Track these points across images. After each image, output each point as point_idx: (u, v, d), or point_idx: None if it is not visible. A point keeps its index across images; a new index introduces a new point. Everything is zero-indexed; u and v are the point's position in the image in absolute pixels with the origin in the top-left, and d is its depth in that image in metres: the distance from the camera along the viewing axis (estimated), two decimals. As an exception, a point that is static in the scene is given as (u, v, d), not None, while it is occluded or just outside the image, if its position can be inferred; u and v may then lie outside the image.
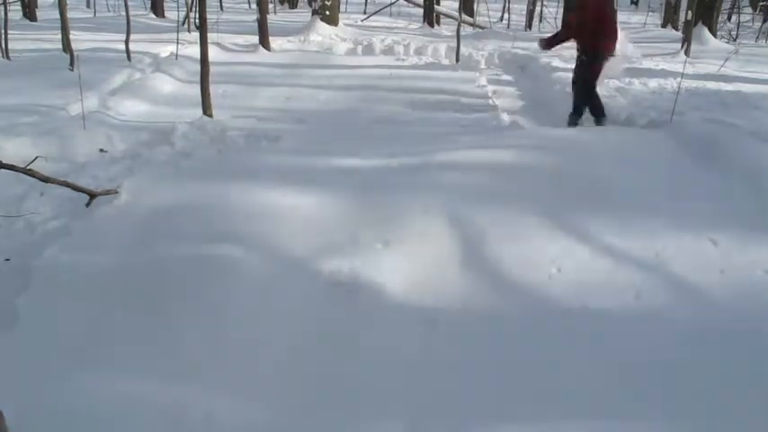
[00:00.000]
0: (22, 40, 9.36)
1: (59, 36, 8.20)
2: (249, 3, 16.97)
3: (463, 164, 4.35)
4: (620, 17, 11.47)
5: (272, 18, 12.20)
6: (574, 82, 6.03)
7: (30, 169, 3.55)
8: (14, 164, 3.44)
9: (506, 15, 15.39)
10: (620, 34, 6.02)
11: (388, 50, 10.14)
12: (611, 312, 2.92)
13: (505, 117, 6.37)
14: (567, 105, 6.11)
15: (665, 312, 2.88)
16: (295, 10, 18.25)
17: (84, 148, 4.90)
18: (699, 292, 3.01)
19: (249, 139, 5.29)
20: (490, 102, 7.11)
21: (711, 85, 7.24)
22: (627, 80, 7.62)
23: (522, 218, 3.62)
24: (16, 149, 4.43)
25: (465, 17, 12.56)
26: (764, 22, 13.93)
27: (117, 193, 3.88)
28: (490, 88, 7.93)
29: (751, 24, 15.37)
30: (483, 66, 9.62)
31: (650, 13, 17.57)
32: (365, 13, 15.24)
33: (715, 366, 2.56)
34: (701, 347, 2.66)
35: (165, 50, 9.06)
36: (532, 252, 3.32)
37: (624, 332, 2.78)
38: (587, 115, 6.00)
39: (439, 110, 6.70)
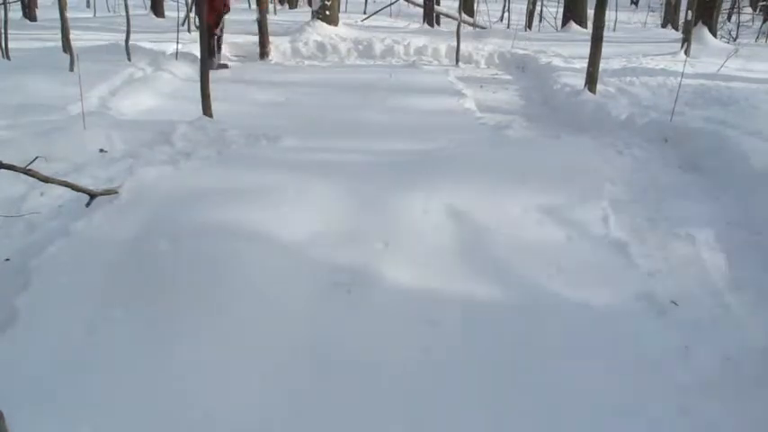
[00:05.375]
0: (22, 40, 9.35)
1: (59, 36, 8.19)
2: (249, 3, 16.95)
3: (463, 162, 4.35)
4: (621, 17, 11.48)
5: (271, 18, 12.19)
6: None
7: (30, 169, 3.54)
8: (14, 164, 3.44)
9: (506, 15, 15.40)
10: None
11: (388, 51, 10.14)
12: (613, 311, 2.92)
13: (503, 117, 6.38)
14: (566, 104, 6.11)
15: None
16: (295, 10, 18.25)
17: (84, 148, 4.89)
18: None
19: (249, 139, 5.28)
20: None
21: (711, 84, 7.24)
22: (627, 80, 7.63)
23: (525, 215, 3.63)
24: (16, 149, 4.43)
25: (465, 17, 12.55)
26: (764, 21, 13.92)
27: (117, 193, 3.88)
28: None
29: (751, 24, 15.36)
30: (483, 65, 9.63)
31: (650, 13, 17.59)
32: (365, 13, 15.23)
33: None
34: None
35: (166, 50, 9.06)
36: (532, 250, 3.32)
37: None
38: None
39: (438, 109, 6.69)
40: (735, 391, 2.47)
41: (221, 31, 8.93)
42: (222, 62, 9.14)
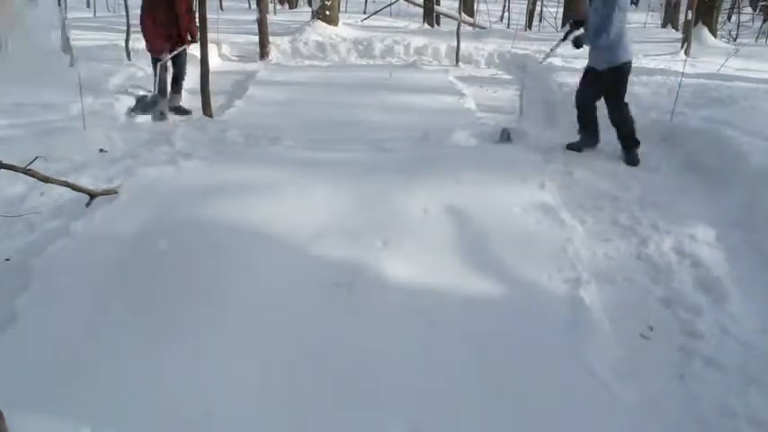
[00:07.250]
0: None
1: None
2: (249, 3, 16.95)
3: (463, 161, 4.35)
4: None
5: (271, 18, 12.18)
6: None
7: (30, 169, 3.54)
8: (14, 164, 3.44)
9: (506, 15, 15.41)
10: None
11: (388, 51, 10.13)
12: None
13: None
14: (566, 104, 6.08)
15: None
16: (295, 10, 18.25)
17: (84, 148, 4.89)
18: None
19: (249, 139, 5.29)
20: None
21: (711, 84, 7.24)
22: (627, 80, 7.60)
23: (524, 213, 3.62)
24: (16, 149, 4.43)
25: (465, 17, 12.55)
26: (764, 21, 13.93)
27: (117, 193, 3.89)
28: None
29: (751, 24, 15.36)
30: (483, 65, 9.63)
31: (650, 13, 17.58)
32: (365, 13, 15.23)
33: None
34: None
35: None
36: (532, 248, 3.33)
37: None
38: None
39: (438, 108, 6.69)
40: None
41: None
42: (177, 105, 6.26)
